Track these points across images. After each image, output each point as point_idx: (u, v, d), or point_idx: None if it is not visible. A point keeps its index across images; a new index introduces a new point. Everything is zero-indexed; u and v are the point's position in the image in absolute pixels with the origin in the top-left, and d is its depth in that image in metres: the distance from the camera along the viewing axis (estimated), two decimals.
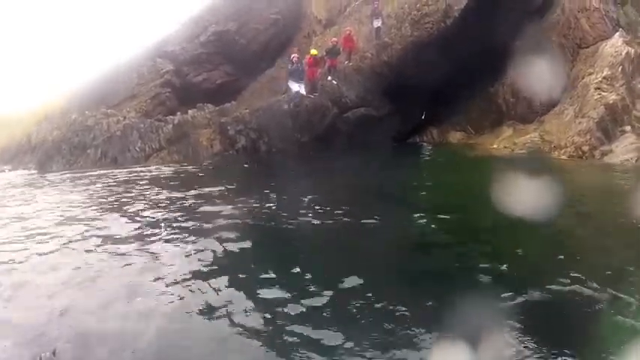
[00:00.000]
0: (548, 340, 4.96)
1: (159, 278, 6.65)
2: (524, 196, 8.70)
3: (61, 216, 10.36)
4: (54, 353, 4.98)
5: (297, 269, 6.92)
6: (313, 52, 21.20)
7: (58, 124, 23.38)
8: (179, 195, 12.28)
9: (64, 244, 8.30)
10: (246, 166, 18.60)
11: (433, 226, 9.18)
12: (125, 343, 5.21)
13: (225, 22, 27.27)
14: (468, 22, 21.19)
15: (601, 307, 5.70)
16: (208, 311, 5.78)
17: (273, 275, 6.77)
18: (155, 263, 7.18)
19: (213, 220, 9.33)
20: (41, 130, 24.39)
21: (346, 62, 22.64)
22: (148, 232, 8.80)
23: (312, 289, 6.34)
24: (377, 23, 23.11)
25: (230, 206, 10.59)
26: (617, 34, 19.62)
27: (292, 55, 22.56)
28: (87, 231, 8.95)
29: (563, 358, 4.73)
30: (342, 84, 21.55)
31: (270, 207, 10.79)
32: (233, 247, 7.94)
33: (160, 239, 8.21)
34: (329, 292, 6.20)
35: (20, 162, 23.18)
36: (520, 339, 5.00)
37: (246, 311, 5.74)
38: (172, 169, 17.56)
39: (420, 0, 22.73)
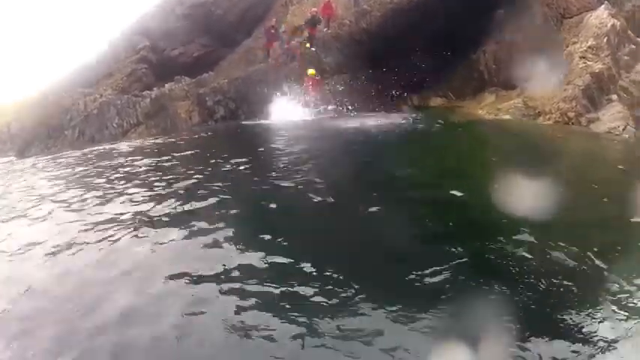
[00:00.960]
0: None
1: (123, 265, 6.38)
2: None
3: (31, 197, 10.14)
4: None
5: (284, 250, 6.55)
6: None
7: (36, 109, 23.17)
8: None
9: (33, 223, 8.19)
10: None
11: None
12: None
13: None
14: None
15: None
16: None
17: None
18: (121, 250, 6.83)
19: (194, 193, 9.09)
20: (20, 118, 24.19)
21: (325, 29, 22.52)
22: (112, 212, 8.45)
23: (300, 269, 6.11)
24: None
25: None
26: (603, 6, 19.75)
27: (271, 21, 22.67)
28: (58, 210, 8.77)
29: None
30: (321, 51, 21.51)
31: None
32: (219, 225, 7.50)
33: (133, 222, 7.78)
34: (318, 276, 5.93)
35: (1, 150, 22.99)
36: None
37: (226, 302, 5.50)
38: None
39: None
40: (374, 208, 7.86)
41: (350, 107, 20.67)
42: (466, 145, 14.24)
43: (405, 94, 23.19)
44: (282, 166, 11.01)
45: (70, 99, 22.06)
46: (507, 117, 18.95)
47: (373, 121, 18.49)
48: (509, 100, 20.19)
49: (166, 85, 21.72)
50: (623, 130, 16.12)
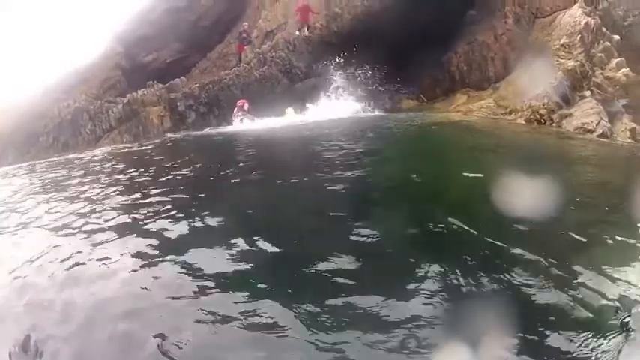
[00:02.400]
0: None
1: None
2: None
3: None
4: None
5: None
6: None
7: (11, 115, 23.50)
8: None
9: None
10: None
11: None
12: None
13: (175, 0, 27.33)
14: None
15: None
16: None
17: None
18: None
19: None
20: None
21: (297, 33, 23.07)
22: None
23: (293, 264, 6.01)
24: None
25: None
26: (576, 5, 20.14)
27: (242, 26, 23.20)
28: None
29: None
30: (291, 54, 21.91)
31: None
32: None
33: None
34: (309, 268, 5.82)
35: None
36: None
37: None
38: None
39: None
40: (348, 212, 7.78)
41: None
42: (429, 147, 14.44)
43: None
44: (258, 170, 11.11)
45: (45, 105, 22.40)
46: (477, 117, 19.26)
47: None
48: (481, 100, 20.60)
49: (139, 91, 22.00)
50: (597, 125, 16.47)
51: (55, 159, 16.55)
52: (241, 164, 12.05)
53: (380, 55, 20.98)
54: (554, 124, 17.38)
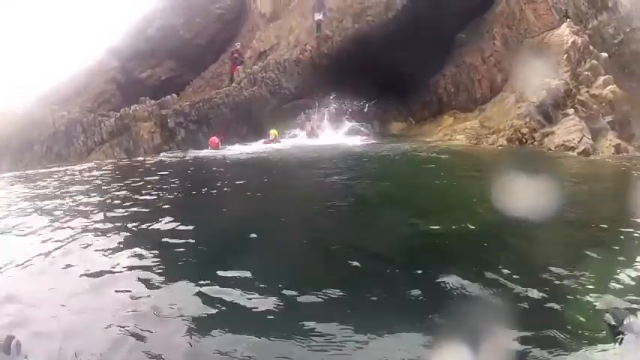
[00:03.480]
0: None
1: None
2: None
3: None
4: None
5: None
6: (273, 132, 21.30)
7: (8, 122, 24.14)
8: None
9: None
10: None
11: None
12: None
13: (171, 17, 27.98)
14: (410, 15, 22.12)
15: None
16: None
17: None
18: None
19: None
20: None
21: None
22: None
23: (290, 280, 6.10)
24: (317, 16, 23.71)
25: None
26: (565, 24, 20.48)
27: (234, 46, 23.97)
28: None
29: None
30: (281, 76, 22.57)
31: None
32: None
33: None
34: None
35: None
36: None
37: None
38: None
39: None
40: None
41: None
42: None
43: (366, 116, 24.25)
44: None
45: (40, 114, 23.04)
46: (459, 141, 19.73)
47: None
48: (466, 122, 21.17)
49: (132, 106, 22.56)
50: (579, 142, 16.74)
51: (45, 170, 17.14)
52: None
53: (370, 77, 21.59)
54: (535, 143, 17.76)
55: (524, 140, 18.03)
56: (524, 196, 7.91)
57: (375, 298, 5.53)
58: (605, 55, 20.56)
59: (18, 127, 22.71)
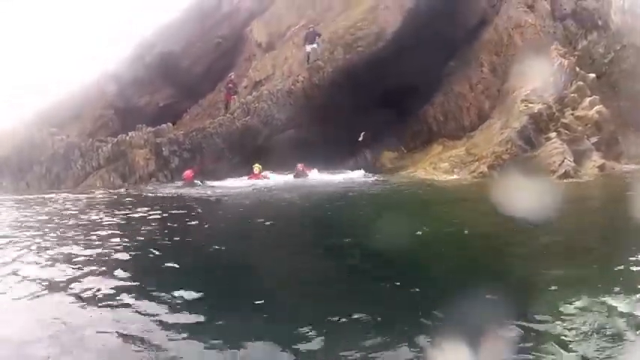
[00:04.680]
0: None
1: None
2: None
3: None
4: None
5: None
6: (257, 167, 21.52)
7: (7, 143, 24.93)
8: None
9: None
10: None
11: None
12: None
13: (170, 45, 28.67)
14: (400, 45, 22.78)
15: None
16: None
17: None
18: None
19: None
20: None
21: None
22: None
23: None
24: (309, 48, 24.34)
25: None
26: (552, 47, 21.10)
27: (229, 76, 24.87)
28: None
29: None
30: (274, 106, 23.29)
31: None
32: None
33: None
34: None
35: None
36: None
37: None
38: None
39: (354, 24, 24.43)
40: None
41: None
42: None
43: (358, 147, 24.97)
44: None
45: (40, 137, 23.90)
46: (441, 169, 20.27)
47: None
48: (454, 149, 21.68)
49: (130, 133, 23.34)
50: (559, 165, 17.25)
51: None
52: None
53: (360, 107, 22.32)
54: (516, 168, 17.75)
55: (505, 167, 18.29)
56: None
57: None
58: (592, 75, 21.12)
59: (18, 147, 23.53)
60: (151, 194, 17.73)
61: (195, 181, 20.06)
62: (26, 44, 32.60)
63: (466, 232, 9.67)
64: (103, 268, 7.69)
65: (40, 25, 33.28)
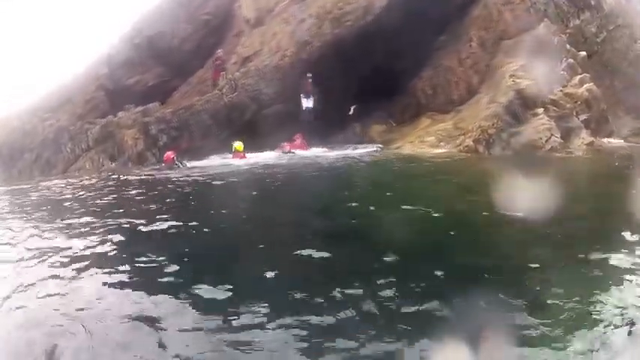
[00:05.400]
0: None
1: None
2: None
3: None
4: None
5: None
6: (237, 146, 21.03)
7: (1, 131, 25.11)
8: None
9: None
10: None
11: None
12: None
13: (159, 25, 28.62)
14: (389, 19, 22.74)
15: None
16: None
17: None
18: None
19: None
20: None
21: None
22: None
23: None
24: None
25: None
26: (542, 24, 21.10)
27: (217, 53, 24.81)
28: None
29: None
30: (261, 82, 23.28)
31: None
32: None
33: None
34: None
35: None
36: None
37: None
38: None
39: None
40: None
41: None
42: None
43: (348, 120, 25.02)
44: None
45: (31, 124, 24.02)
46: (427, 143, 20.42)
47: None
48: (442, 123, 21.74)
49: (119, 113, 23.51)
50: (546, 141, 17.46)
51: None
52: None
53: (349, 82, 22.30)
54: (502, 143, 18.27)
55: (491, 141, 18.44)
56: None
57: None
58: (583, 53, 21.23)
59: (10, 136, 23.69)
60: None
61: (176, 163, 19.79)
62: (17, 36, 32.79)
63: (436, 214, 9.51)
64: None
65: (29, 12, 33.44)
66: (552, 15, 22.52)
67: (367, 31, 23.16)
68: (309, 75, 23.27)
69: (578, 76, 20.01)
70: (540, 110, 18.59)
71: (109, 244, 8.25)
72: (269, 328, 5.14)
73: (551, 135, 17.73)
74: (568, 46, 20.92)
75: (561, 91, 19.48)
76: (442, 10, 22.84)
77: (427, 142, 20.65)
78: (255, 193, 13.31)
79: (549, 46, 20.31)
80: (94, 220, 9.98)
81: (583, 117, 19.07)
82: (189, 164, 19.95)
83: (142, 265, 7.13)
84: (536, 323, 4.98)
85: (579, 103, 19.23)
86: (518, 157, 17.36)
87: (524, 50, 20.51)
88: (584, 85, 19.59)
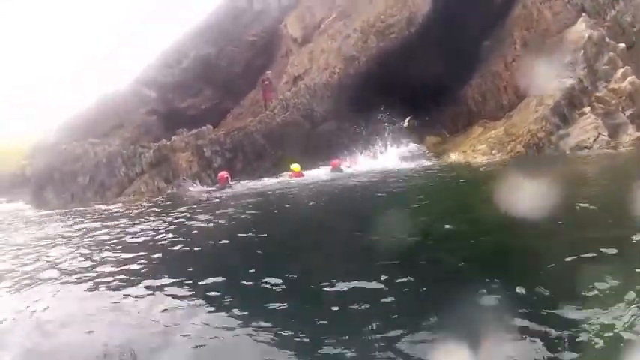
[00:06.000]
0: None
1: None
2: None
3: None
4: None
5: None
6: (295, 168, 20.74)
7: (50, 155, 25.45)
8: None
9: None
10: None
11: None
12: None
13: (205, 47, 28.94)
14: (432, 28, 22.75)
15: None
16: None
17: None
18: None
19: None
20: (34, 162, 26.64)
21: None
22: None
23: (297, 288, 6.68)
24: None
25: None
26: (580, 19, 20.76)
27: (265, 74, 24.86)
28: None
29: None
30: (312, 100, 23.30)
31: None
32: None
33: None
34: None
35: (16, 194, 25.46)
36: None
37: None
38: None
39: (385, 11, 24.41)
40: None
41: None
42: None
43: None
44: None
45: (82, 148, 24.27)
46: (479, 156, 19.96)
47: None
48: (493, 130, 21.38)
49: (172, 137, 23.57)
50: (594, 141, 17.34)
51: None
52: None
53: (400, 94, 22.07)
54: (552, 147, 18.22)
55: (541, 145, 18.39)
56: None
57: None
58: (622, 45, 20.64)
59: (59, 160, 23.92)
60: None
61: (230, 183, 19.98)
62: (63, 58, 33.41)
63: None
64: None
65: (75, 39, 34.11)
66: (589, 8, 21.96)
67: (411, 41, 23.26)
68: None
69: (620, 70, 19.44)
70: (587, 109, 18.48)
71: None
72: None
73: (599, 134, 17.62)
74: (607, 39, 20.34)
75: (605, 87, 19.15)
76: (483, 12, 22.83)
77: (479, 150, 20.40)
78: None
79: (590, 42, 19.91)
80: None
81: (629, 112, 18.55)
82: (244, 184, 20.02)
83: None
84: None
85: (623, 97, 18.72)
86: (565, 158, 17.25)
87: (566, 48, 20.28)
88: (627, 79, 19.02)
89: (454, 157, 21.02)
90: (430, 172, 18.25)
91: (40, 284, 7.93)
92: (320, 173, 20.96)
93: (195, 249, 9.45)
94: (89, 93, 29.74)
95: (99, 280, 7.89)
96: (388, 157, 22.38)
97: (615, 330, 4.74)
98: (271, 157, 22.47)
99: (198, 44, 29.06)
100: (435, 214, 10.58)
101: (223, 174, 20.27)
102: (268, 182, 20.24)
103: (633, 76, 19.03)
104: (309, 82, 24.08)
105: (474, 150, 20.71)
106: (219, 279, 7.28)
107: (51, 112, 29.53)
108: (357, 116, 22.92)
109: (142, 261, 8.71)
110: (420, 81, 21.49)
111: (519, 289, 5.78)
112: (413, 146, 23.71)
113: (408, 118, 24.50)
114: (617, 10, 22.52)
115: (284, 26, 29.55)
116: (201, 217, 13.04)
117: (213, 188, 20.09)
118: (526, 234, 8.19)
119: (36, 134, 29.47)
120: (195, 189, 20.53)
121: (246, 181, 20.64)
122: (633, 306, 5.09)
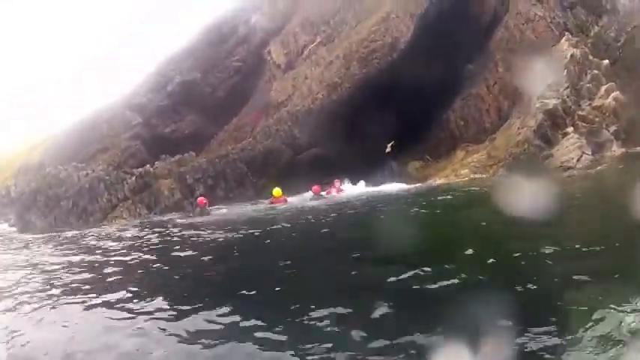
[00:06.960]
0: None
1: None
2: None
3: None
4: None
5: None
6: (276, 192, 20.48)
7: (34, 177, 25.46)
8: None
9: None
10: None
11: None
12: None
13: (189, 72, 29.12)
14: (415, 53, 22.70)
15: None
16: None
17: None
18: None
19: None
20: (19, 183, 26.69)
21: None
22: None
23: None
24: None
25: None
26: (564, 38, 20.66)
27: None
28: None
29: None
30: (295, 126, 23.33)
31: None
32: None
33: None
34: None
35: (2, 214, 25.51)
36: None
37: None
38: None
39: (368, 37, 24.36)
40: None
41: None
42: None
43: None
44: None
45: (66, 172, 24.28)
46: (462, 176, 19.93)
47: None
48: (475, 154, 21.25)
49: (155, 163, 23.73)
50: (577, 160, 17.02)
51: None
52: None
53: (383, 120, 22.12)
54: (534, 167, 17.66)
55: (522, 167, 17.81)
56: None
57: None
58: (606, 62, 20.56)
59: (44, 183, 23.97)
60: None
61: (208, 208, 19.80)
62: (63, 58, 33.47)
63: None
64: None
65: (75, 39, 34.25)
66: (572, 27, 22.09)
67: (394, 66, 23.19)
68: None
69: (604, 87, 19.31)
70: (570, 129, 18.23)
71: None
72: None
73: (582, 153, 17.34)
74: (591, 57, 20.29)
75: (589, 105, 19.01)
76: (465, 36, 22.85)
77: (462, 175, 20.23)
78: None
79: (573, 60, 19.80)
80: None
81: (613, 128, 18.35)
82: (225, 210, 19.83)
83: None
84: None
85: (607, 114, 18.55)
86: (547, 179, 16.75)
87: (549, 68, 19.87)
88: (611, 95, 18.84)
89: (438, 181, 20.95)
90: (413, 196, 18.21)
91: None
92: (302, 199, 20.91)
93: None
94: (89, 93, 29.80)
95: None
96: (371, 182, 22.39)
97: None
98: (253, 184, 22.50)
99: (183, 69, 29.16)
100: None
101: (202, 199, 20.06)
102: (249, 208, 20.11)
103: (617, 92, 18.92)
104: (291, 109, 24.14)
105: (457, 175, 20.59)
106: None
107: (51, 112, 29.50)
108: (340, 142, 22.81)
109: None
110: (403, 106, 21.58)
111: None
112: (396, 171, 23.84)
113: (391, 143, 24.40)
114: (600, 26, 22.58)
115: (267, 52, 29.57)
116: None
117: (191, 214, 20.00)
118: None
119: (36, 134, 29.55)
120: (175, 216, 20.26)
121: (224, 210, 20.20)
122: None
